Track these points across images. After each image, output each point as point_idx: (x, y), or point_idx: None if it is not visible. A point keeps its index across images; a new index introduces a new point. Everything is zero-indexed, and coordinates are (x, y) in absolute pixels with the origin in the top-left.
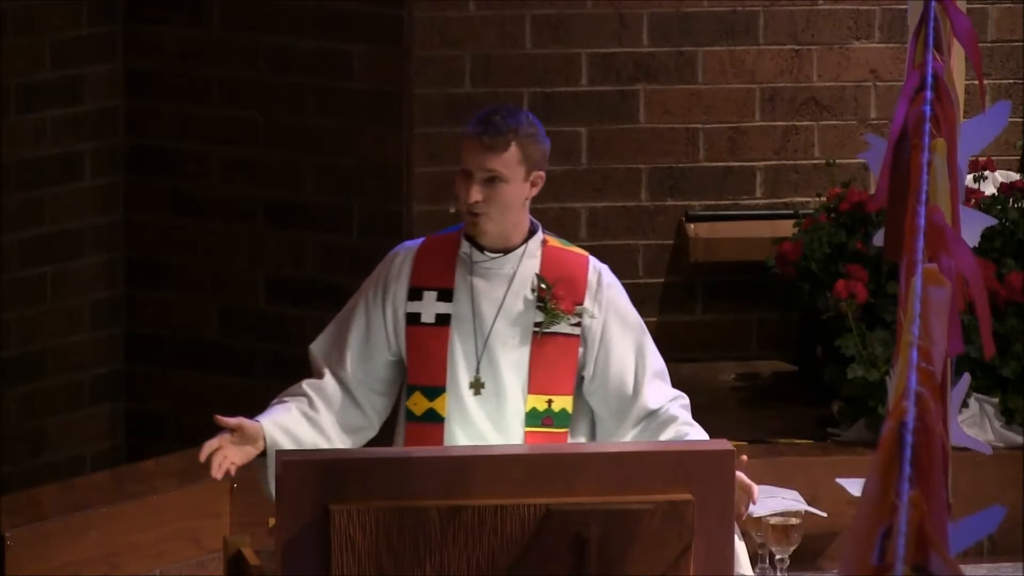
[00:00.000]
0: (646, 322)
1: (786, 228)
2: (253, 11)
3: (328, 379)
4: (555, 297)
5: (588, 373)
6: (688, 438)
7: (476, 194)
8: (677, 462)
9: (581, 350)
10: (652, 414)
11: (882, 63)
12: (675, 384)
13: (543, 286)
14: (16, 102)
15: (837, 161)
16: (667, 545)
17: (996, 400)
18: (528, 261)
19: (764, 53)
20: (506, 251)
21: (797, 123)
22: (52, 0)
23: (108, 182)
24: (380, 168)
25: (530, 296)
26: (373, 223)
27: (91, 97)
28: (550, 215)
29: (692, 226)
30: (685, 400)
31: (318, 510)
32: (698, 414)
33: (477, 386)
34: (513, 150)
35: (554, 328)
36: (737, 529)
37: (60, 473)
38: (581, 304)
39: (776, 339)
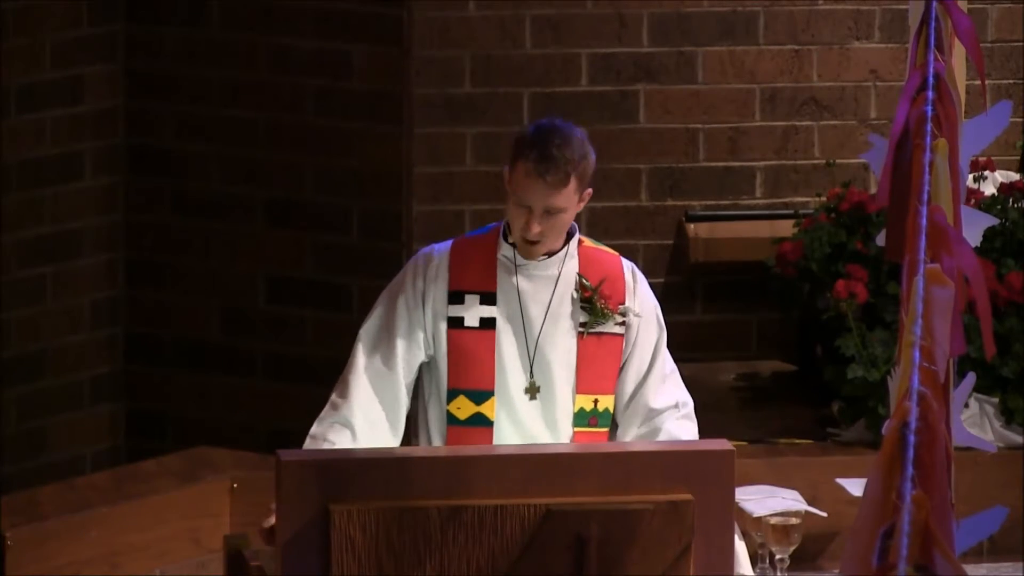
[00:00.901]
0: None
1: (786, 228)
2: (253, 11)
3: (372, 395)
4: (603, 296)
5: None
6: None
7: (536, 228)
8: (677, 462)
9: (624, 348)
10: (652, 413)
11: (882, 63)
12: None
13: (588, 286)
14: (16, 102)
15: (837, 161)
16: (667, 545)
17: (996, 400)
18: (570, 262)
19: (764, 53)
20: (550, 254)
21: (797, 123)
22: (52, 0)
23: (108, 182)
24: (380, 168)
25: (575, 296)
26: (373, 223)
27: (91, 97)
28: None
29: (692, 226)
30: (688, 408)
31: (318, 510)
32: (698, 414)
33: (532, 390)
34: (572, 183)
35: (600, 328)
36: (737, 529)
37: (60, 473)
38: (623, 303)
39: (776, 339)
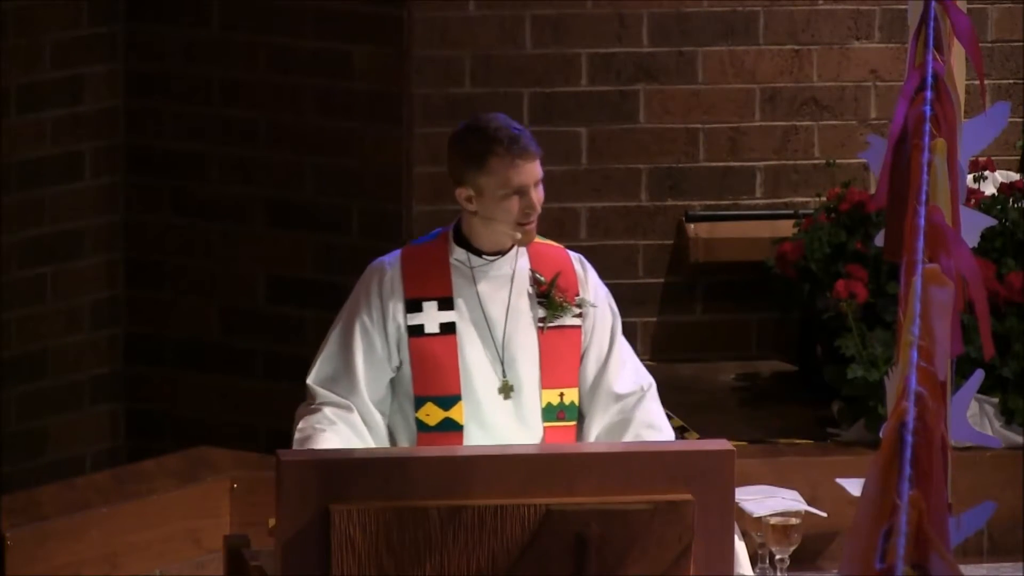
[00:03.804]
0: (646, 322)
1: (786, 228)
2: (253, 11)
3: (349, 409)
4: (559, 290)
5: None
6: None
7: (540, 200)
8: (677, 462)
9: (583, 339)
10: (620, 399)
11: (882, 63)
12: (675, 384)
13: (543, 281)
14: (16, 102)
15: (837, 161)
16: (667, 545)
17: (996, 400)
18: (521, 259)
19: (764, 53)
20: (503, 252)
21: (797, 123)
22: (52, 0)
23: (108, 182)
24: (380, 168)
25: (531, 292)
26: (373, 223)
27: (91, 97)
28: (550, 215)
29: (692, 226)
30: (653, 390)
31: (318, 510)
32: (698, 414)
33: (507, 390)
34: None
35: (558, 321)
36: (737, 529)
37: (60, 473)
38: (578, 295)
39: (776, 339)
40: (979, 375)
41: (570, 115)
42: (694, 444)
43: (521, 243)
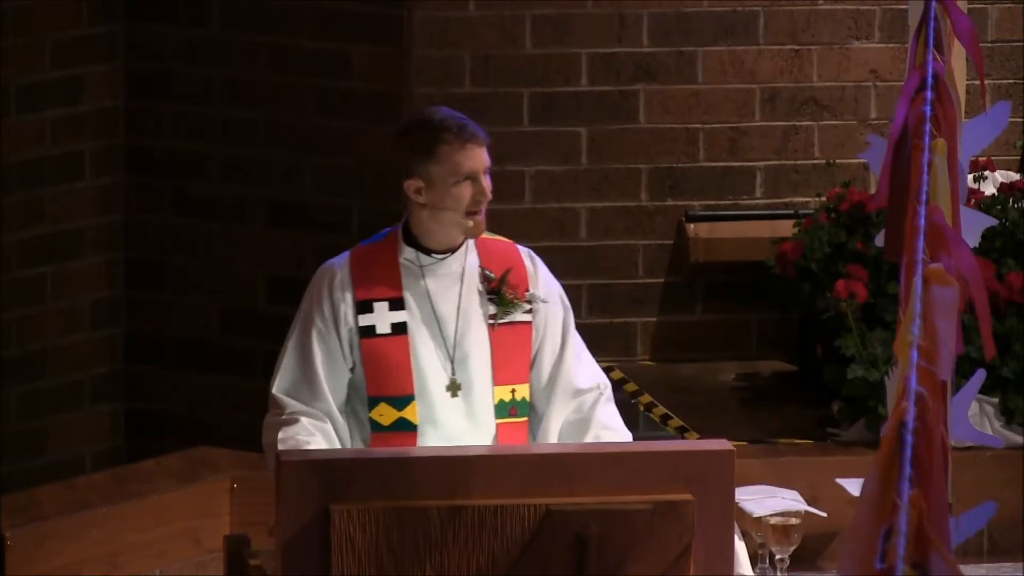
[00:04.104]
0: (646, 322)
1: (786, 228)
2: (253, 11)
3: (322, 420)
4: (509, 286)
5: (532, 356)
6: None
7: (490, 187)
8: (677, 462)
9: (534, 335)
10: (579, 394)
11: (882, 63)
12: (675, 384)
13: (493, 277)
14: (16, 102)
15: (837, 161)
16: (667, 545)
17: (996, 400)
18: (471, 256)
19: (764, 53)
20: (452, 250)
21: (797, 123)
22: (52, 0)
23: (108, 182)
24: (380, 168)
25: (481, 289)
26: (373, 223)
27: (91, 97)
28: (550, 215)
29: (692, 226)
30: (609, 391)
31: (318, 510)
32: (698, 414)
33: (454, 388)
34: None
35: (509, 318)
36: (737, 529)
37: (60, 473)
38: (528, 291)
39: (776, 339)
40: (980, 375)
41: (570, 115)
42: (694, 444)
43: (471, 234)
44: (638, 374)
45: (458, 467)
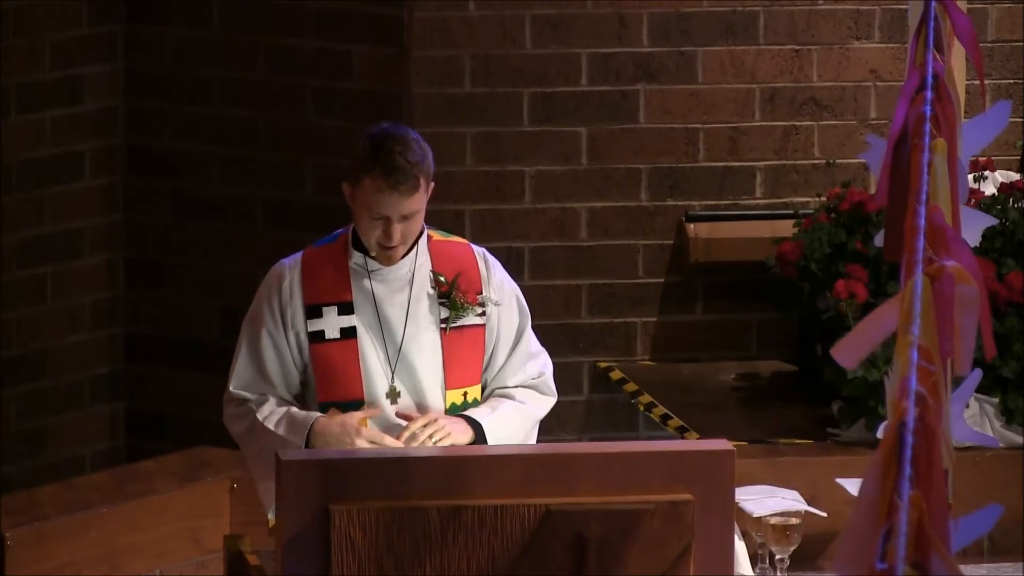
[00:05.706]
0: (646, 322)
1: (786, 228)
2: (253, 11)
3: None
4: (460, 290)
5: (486, 358)
6: (504, 400)
7: (398, 236)
8: (677, 462)
9: (487, 337)
10: (505, 391)
11: (882, 63)
12: (675, 384)
13: (444, 281)
14: (16, 102)
15: (837, 161)
16: (667, 545)
17: (996, 400)
18: (421, 260)
19: (764, 53)
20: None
21: (797, 123)
22: (52, 0)
23: (108, 182)
24: None
25: (431, 293)
26: None
27: (91, 97)
28: (550, 215)
29: (692, 226)
30: (542, 379)
31: (318, 510)
32: (698, 414)
33: (393, 395)
34: (421, 185)
35: (461, 321)
36: (737, 529)
37: (60, 473)
38: (481, 293)
39: (776, 339)
40: (977, 374)
41: (570, 115)
42: (694, 444)
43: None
44: (638, 374)
45: (458, 467)
